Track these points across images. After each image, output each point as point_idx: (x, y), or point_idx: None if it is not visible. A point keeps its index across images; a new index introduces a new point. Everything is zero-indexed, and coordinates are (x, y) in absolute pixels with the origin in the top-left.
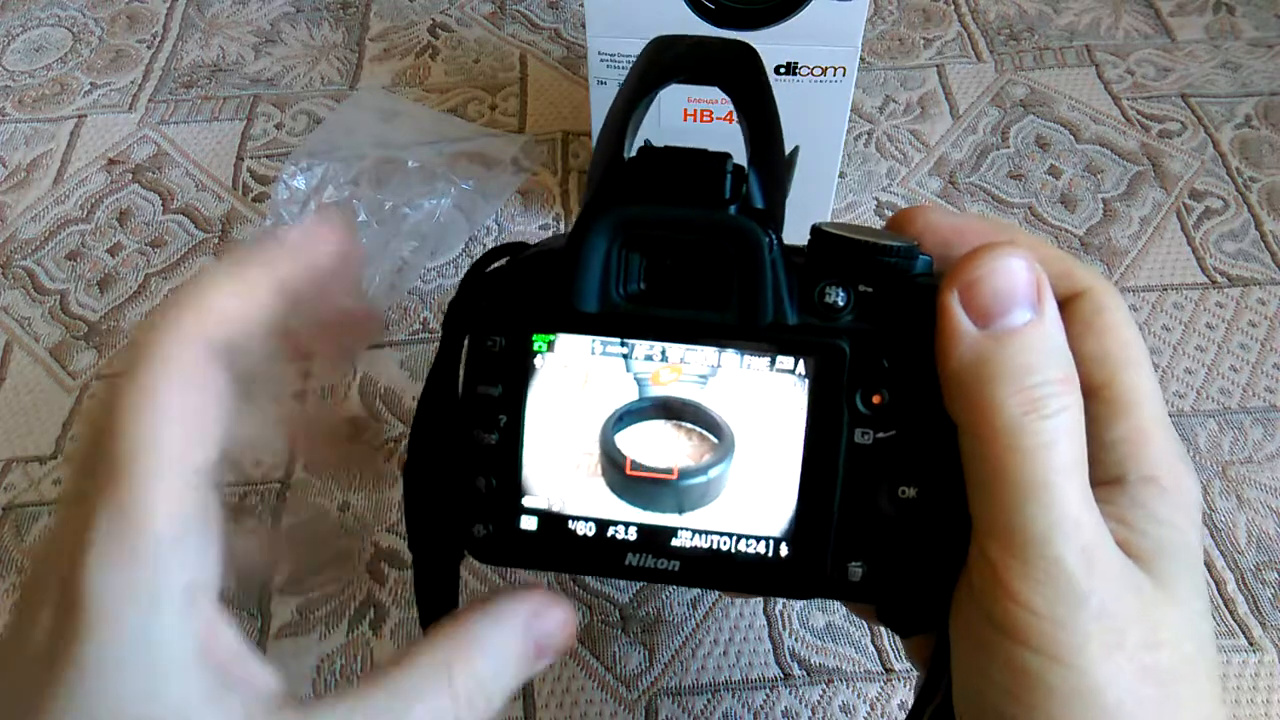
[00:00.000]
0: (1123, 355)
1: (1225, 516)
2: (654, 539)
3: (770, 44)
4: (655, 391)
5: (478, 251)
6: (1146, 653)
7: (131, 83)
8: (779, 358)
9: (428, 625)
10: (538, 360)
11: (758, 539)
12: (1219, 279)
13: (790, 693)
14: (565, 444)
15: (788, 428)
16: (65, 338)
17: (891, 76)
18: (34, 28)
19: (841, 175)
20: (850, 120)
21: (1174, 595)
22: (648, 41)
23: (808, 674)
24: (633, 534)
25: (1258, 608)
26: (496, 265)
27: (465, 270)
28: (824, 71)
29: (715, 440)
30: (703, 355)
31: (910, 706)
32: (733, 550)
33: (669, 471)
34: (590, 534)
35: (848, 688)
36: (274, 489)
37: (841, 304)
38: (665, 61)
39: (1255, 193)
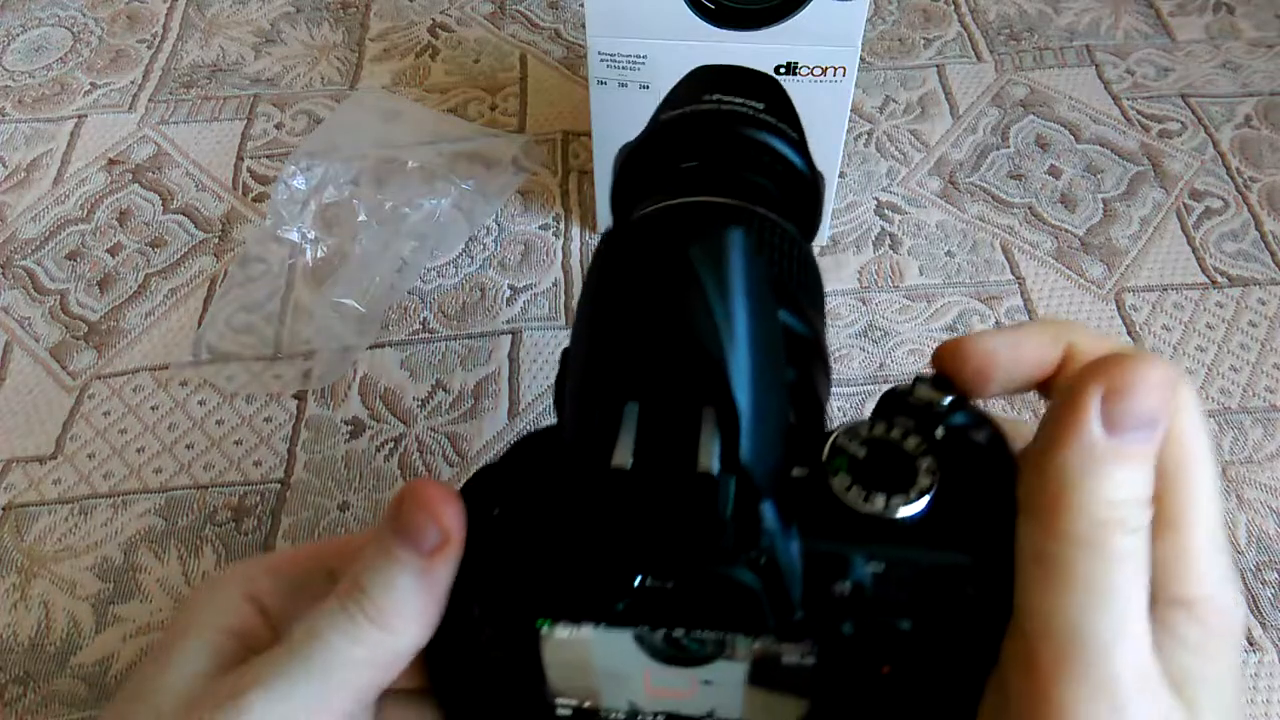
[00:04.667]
0: (1185, 469)
1: (1225, 516)
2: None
3: (770, 44)
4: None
5: (477, 251)
6: None
7: (131, 83)
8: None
9: None
10: (544, 630)
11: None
12: (1219, 279)
13: None
14: (589, 678)
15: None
16: (65, 338)
17: (891, 76)
18: (34, 28)
19: (841, 175)
20: (850, 120)
21: None
22: None
23: None
24: (662, 718)
25: (1258, 608)
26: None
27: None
28: (824, 71)
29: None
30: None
31: None
32: None
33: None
34: (622, 717)
35: None
36: (274, 489)
37: (849, 594)
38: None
39: (1255, 193)
